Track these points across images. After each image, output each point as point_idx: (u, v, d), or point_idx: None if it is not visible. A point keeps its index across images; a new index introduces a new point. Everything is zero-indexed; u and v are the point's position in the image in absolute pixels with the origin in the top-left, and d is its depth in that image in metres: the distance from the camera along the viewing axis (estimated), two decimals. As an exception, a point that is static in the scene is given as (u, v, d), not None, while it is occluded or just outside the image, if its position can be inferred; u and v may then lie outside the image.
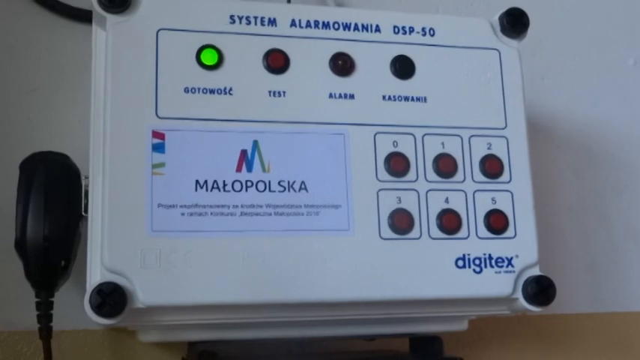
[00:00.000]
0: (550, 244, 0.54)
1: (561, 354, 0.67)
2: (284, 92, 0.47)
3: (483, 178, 0.50)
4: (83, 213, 0.48)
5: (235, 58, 0.47)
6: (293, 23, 0.49)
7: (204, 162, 0.45)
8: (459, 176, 0.49)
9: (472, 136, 0.50)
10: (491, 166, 0.50)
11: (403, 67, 0.50)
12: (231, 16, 0.48)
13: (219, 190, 0.45)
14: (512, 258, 0.48)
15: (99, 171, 0.45)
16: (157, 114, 0.45)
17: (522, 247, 0.49)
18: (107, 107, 0.45)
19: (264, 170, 0.46)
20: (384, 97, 0.49)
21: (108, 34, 0.45)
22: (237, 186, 0.45)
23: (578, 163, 0.73)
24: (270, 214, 0.45)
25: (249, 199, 0.45)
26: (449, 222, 0.48)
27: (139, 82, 0.45)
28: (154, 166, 0.44)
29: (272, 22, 0.48)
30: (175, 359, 0.56)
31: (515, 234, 0.49)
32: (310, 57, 0.49)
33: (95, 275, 0.44)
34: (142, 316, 0.43)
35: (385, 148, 0.48)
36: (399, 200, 0.48)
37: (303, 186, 0.46)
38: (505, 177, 0.50)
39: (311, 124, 0.47)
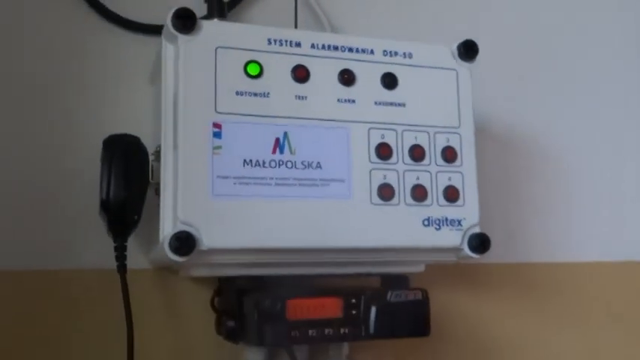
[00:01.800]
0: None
1: (488, 292, 0.83)
2: (306, 97, 0.61)
3: (443, 163, 0.64)
4: (150, 180, 0.62)
5: (272, 70, 0.60)
6: (313, 46, 0.62)
7: (249, 146, 0.58)
8: (426, 161, 0.63)
9: (436, 132, 0.64)
10: (449, 155, 0.64)
11: (390, 81, 0.64)
12: (269, 39, 0.61)
13: (260, 167, 0.58)
14: (461, 220, 0.63)
15: (169, 150, 0.58)
16: (216, 110, 0.58)
17: (468, 212, 0.64)
18: (179, 104, 0.57)
19: (291, 153, 0.59)
20: (375, 103, 0.63)
21: (179, 49, 0.58)
22: (272, 164, 0.58)
23: (502, 153, 0.87)
24: (296, 185, 0.59)
25: (280, 174, 0.58)
26: (419, 194, 0.62)
27: (202, 86, 0.58)
28: (214, 148, 0.57)
29: (298, 44, 0.61)
30: (206, 291, 0.69)
31: (464, 203, 0.64)
32: (325, 72, 0.62)
33: (168, 226, 0.57)
34: (204, 256, 0.56)
35: (376, 140, 0.62)
36: (385, 177, 0.62)
37: (318, 165, 0.60)
38: (458, 162, 0.64)
39: (325, 121, 0.61)
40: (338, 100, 0.62)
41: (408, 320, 0.62)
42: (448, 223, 0.63)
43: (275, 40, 0.61)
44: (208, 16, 0.69)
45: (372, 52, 0.64)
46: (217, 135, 0.58)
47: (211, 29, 0.59)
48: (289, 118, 0.60)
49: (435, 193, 0.64)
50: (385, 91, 0.64)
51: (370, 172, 0.62)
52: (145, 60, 0.69)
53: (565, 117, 0.93)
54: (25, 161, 0.68)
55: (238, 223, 0.57)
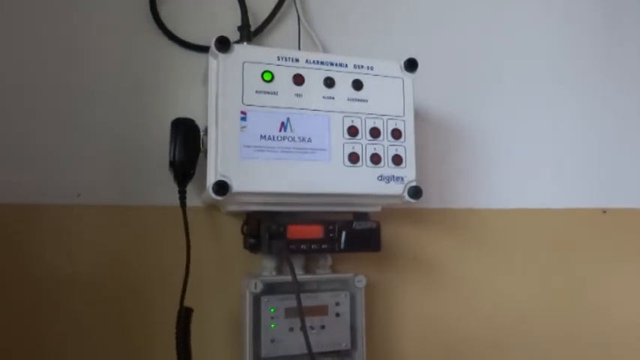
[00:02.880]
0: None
1: (425, 227, 1.09)
2: (302, 95, 0.86)
3: (392, 139, 0.89)
4: (201, 148, 0.89)
5: (280, 77, 0.85)
6: (307, 61, 0.87)
7: (264, 126, 0.83)
8: (381, 138, 0.89)
9: (388, 119, 0.90)
10: (397, 134, 0.89)
11: (358, 85, 0.89)
12: (278, 57, 0.86)
13: (271, 140, 0.84)
14: (403, 177, 0.89)
15: (213, 128, 0.83)
16: (242, 102, 0.83)
17: (408, 172, 0.89)
18: (219, 98, 0.83)
19: (291, 131, 0.85)
20: (348, 99, 0.88)
21: (219, 63, 0.84)
22: (279, 138, 0.84)
23: (437, 133, 1.13)
24: (294, 152, 0.84)
25: (284, 145, 0.84)
26: (376, 159, 0.88)
27: (234, 86, 0.83)
28: (242, 127, 0.83)
29: (297, 60, 0.87)
30: (238, 221, 0.96)
31: (406, 166, 0.89)
32: (314, 78, 0.87)
33: (211, 177, 0.83)
34: (234, 196, 0.81)
35: (347, 123, 0.87)
36: (353, 148, 0.87)
37: (309, 139, 0.85)
38: (402, 139, 0.90)
39: (314, 111, 0.86)
40: (323, 97, 0.87)
41: (366, 240, 0.90)
42: (394, 179, 0.89)
43: (282, 57, 0.88)
44: (240, 40, 0.97)
45: (346, 65, 0.90)
46: (243, 118, 0.83)
47: (240, 50, 0.86)
48: (290, 108, 0.86)
49: (386, 159, 0.89)
50: (354, 92, 0.89)
51: (343, 144, 0.88)
52: (197, 68, 0.97)
53: (482, 107, 1.17)
54: (121, 133, 0.96)
55: (256, 175, 0.83)
